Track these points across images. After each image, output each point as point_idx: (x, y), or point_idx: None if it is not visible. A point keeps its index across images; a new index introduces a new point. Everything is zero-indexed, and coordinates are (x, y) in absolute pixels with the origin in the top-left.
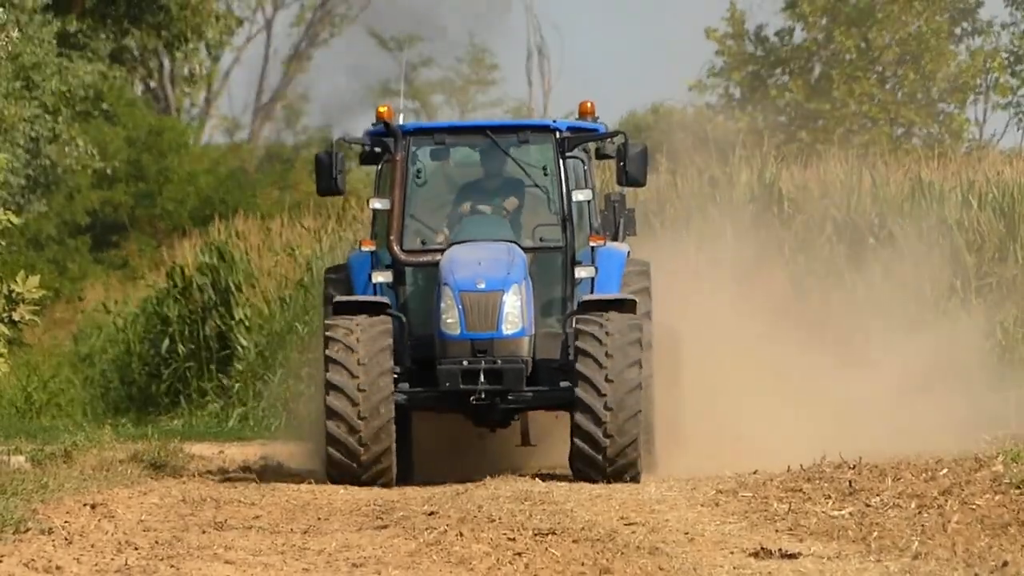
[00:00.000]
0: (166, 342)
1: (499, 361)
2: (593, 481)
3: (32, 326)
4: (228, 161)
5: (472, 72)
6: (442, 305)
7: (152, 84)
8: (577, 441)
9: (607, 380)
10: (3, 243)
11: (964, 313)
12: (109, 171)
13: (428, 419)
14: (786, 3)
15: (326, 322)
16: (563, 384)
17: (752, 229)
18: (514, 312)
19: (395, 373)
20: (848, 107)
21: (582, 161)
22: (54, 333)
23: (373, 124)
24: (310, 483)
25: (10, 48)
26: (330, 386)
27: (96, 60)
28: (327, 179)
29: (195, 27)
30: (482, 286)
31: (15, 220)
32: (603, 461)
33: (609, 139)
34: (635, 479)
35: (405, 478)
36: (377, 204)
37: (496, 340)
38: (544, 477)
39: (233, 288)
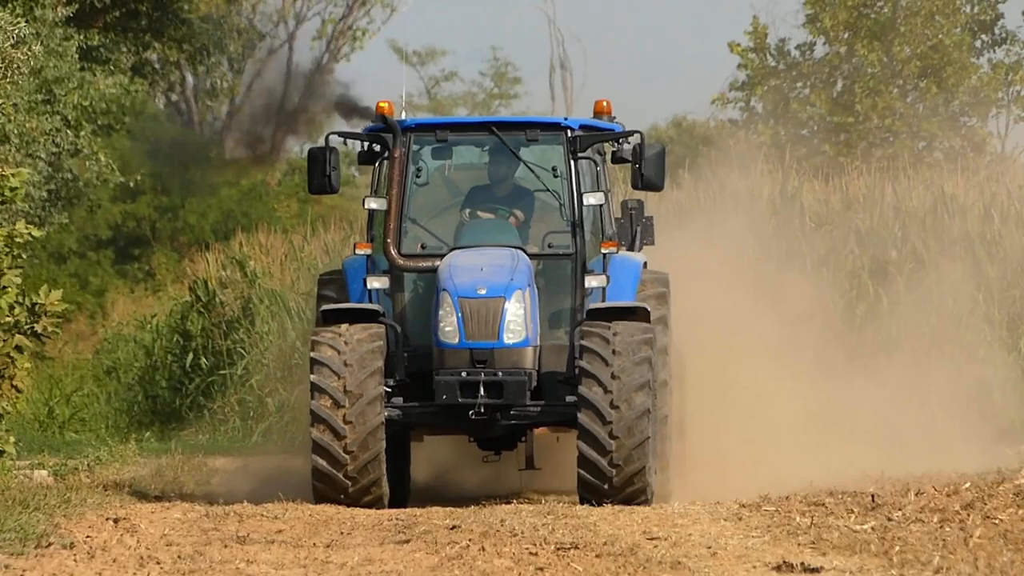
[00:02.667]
0: (190, 356)
1: (500, 373)
2: None
3: (53, 337)
4: (250, 174)
5: (495, 86)
6: (440, 312)
7: (174, 98)
8: (581, 471)
9: (612, 406)
10: (25, 257)
11: (986, 326)
12: (132, 184)
13: (427, 441)
14: (807, 17)
15: (313, 330)
16: (569, 399)
17: (774, 242)
18: (516, 320)
19: (388, 386)
20: (871, 120)
21: (595, 163)
22: (76, 347)
23: (373, 120)
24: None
25: (32, 63)
26: (314, 397)
27: (118, 73)
28: (320, 176)
29: (217, 41)
30: (483, 292)
31: (36, 233)
32: (609, 490)
33: (624, 139)
34: (645, 504)
35: (401, 502)
36: (373, 204)
37: (497, 350)
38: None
39: (255, 301)
